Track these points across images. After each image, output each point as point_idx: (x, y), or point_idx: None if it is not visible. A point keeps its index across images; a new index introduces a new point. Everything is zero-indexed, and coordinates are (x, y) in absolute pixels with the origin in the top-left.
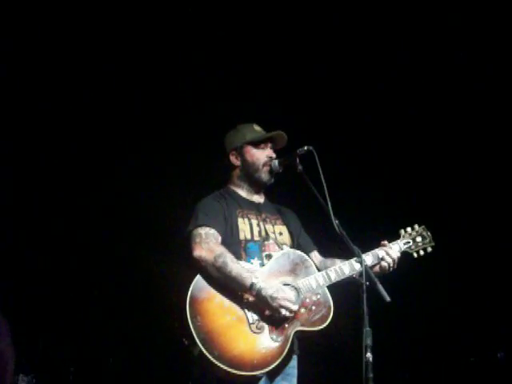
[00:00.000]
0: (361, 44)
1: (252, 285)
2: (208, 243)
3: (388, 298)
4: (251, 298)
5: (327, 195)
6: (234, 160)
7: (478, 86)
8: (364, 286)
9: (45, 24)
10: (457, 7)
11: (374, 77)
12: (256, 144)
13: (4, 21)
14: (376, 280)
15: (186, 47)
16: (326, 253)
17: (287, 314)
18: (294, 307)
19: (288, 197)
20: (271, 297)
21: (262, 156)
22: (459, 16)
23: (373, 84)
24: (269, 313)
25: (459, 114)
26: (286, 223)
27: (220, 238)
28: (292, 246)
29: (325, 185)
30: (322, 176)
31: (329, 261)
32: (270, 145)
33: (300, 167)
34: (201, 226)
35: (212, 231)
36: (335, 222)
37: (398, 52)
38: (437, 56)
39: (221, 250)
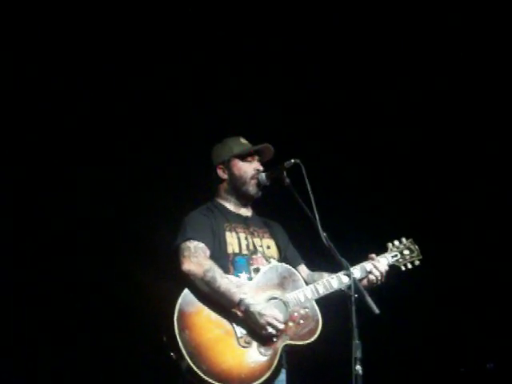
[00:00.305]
0: (353, 52)
1: (240, 300)
2: (197, 257)
3: (377, 311)
4: (239, 313)
5: (315, 208)
6: (222, 174)
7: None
8: (352, 299)
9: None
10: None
11: (362, 89)
12: (243, 157)
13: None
14: (364, 292)
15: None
16: (314, 266)
17: (273, 332)
18: (281, 326)
19: (275, 210)
20: (259, 313)
21: (249, 169)
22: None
23: (361, 97)
24: (256, 328)
25: (445, 126)
26: (273, 237)
27: (208, 252)
28: (280, 260)
29: (312, 198)
30: (309, 189)
31: (316, 274)
32: (256, 157)
33: (287, 180)
34: (189, 239)
35: (201, 245)
36: (323, 235)
37: (392, 60)
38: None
39: (210, 264)
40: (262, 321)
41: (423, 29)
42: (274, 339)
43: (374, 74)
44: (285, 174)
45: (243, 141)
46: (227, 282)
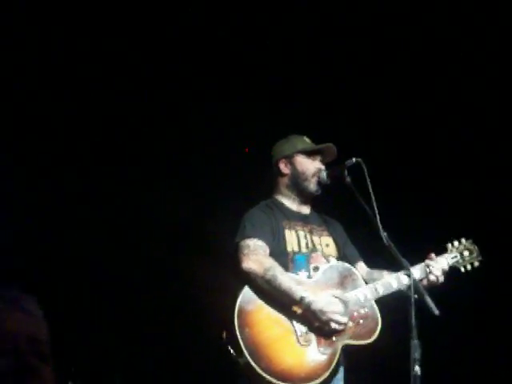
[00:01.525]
0: (417, 51)
1: (302, 298)
2: (257, 255)
3: (437, 311)
4: (300, 311)
5: (375, 207)
6: (284, 168)
7: None
8: (412, 299)
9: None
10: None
11: (426, 91)
12: (307, 154)
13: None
14: (424, 293)
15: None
16: (372, 264)
17: (337, 327)
18: (344, 320)
19: (335, 207)
20: (321, 311)
21: (311, 166)
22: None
23: (423, 98)
24: (318, 326)
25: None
26: (332, 234)
27: (268, 250)
28: (338, 258)
29: (373, 197)
30: (370, 188)
31: (375, 272)
32: (319, 157)
33: (348, 179)
34: (249, 237)
35: (260, 243)
36: (383, 234)
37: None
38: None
39: (270, 262)
40: (325, 317)
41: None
42: (334, 338)
43: (435, 75)
44: (346, 172)
45: (307, 139)
46: (288, 280)
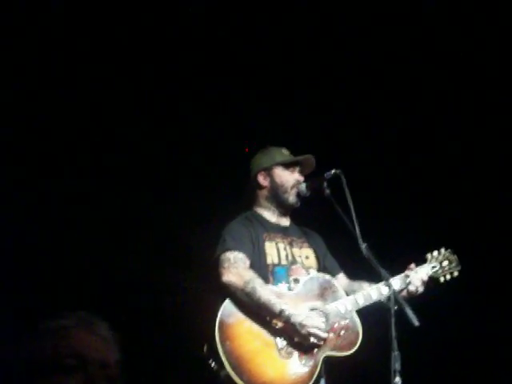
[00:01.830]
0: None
1: (281, 311)
2: (237, 268)
3: (417, 323)
4: (280, 324)
5: (355, 218)
6: (262, 180)
7: None
8: (392, 311)
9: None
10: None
11: (403, 100)
12: (285, 166)
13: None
14: (404, 304)
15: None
16: (353, 275)
17: (316, 341)
18: (324, 335)
19: (314, 219)
20: (300, 324)
21: (290, 178)
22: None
23: (402, 107)
24: (298, 339)
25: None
26: (312, 246)
27: (248, 263)
28: (318, 270)
29: (352, 208)
30: (349, 199)
31: (355, 284)
32: (298, 168)
33: (327, 191)
34: (229, 250)
35: (240, 255)
36: (363, 246)
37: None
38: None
39: (250, 275)
40: (304, 331)
41: None
42: (315, 350)
43: (415, 83)
44: (325, 184)
45: (285, 151)
46: (268, 293)
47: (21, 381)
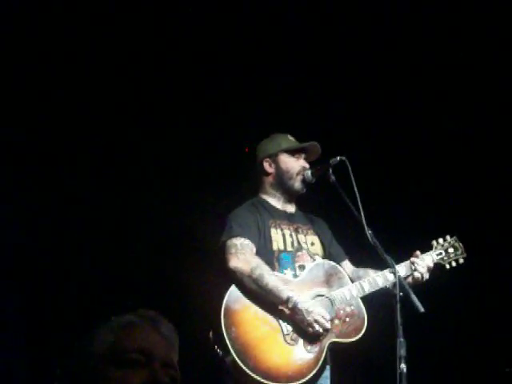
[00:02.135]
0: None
1: (288, 298)
2: (244, 254)
3: (422, 309)
4: (286, 311)
5: (360, 205)
6: (268, 167)
7: None
8: (397, 297)
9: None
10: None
11: (411, 89)
12: (291, 153)
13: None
14: (410, 290)
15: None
16: (358, 262)
17: (320, 330)
18: (328, 325)
19: (320, 206)
20: (307, 311)
21: (296, 165)
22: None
23: (410, 95)
24: (303, 325)
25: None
26: (317, 233)
27: (255, 249)
28: (324, 256)
29: (358, 195)
30: (354, 186)
31: (361, 270)
32: (303, 155)
33: (333, 177)
34: (235, 236)
35: (247, 242)
36: (368, 233)
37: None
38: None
39: (257, 261)
40: (310, 318)
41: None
42: (321, 337)
43: (421, 74)
44: (330, 171)
45: (291, 138)
46: (275, 279)
47: (87, 373)
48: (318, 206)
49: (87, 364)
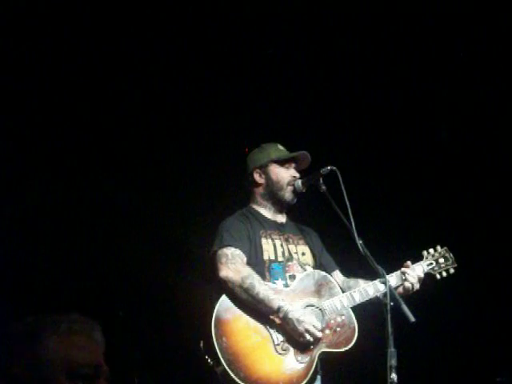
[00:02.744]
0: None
1: (279, 307)
2: (235, 264)
3: (413, 319)
4: (277, 320)
5: (351, 215)
6: (258, 178)
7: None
8: (388, 307)
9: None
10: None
11: (399, 98)
12: (281, 163)
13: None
14: (400, 300)
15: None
16: (349, 272)
17: (311, 339)
18: (319, 334)
19: (310, 216)
20: (298, 320)
21: (286, 175)
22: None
23: (398, 106)
24: (294, 335)
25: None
26: (308, 243)
27: (245, 259)
28: (315, 266)
29: (348, 205)
30: (345, 196)
31: (352, 281)
32: (293, 165)
33: (323, 187)
34: (226, 246)
35: (238, 252)
36: (359, 243)
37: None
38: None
39: (248, 271)
40: (301, 328)
41: None
42: (311, 346)
43: (410, 83)
44: (321, 180)
45: (281, 147)
46: (266, 289)
47: (36, 377)
48: (309, 215)
49: (36, 368)
